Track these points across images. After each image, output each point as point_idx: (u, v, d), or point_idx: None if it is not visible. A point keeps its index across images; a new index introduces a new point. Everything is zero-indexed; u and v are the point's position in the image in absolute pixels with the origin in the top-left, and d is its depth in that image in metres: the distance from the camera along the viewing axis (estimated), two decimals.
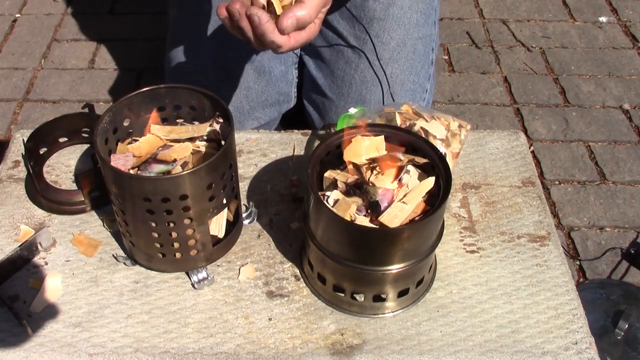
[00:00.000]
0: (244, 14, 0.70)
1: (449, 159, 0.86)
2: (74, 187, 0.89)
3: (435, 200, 0.70)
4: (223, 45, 1.13)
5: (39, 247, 0.81)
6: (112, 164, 0.73)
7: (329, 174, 0.75)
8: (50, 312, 0.76)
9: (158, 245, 0.75)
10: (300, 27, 0.71)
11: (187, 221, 0.73)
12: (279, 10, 0.72)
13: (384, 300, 0.75)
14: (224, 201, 0.76)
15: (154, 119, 0.78)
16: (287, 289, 0.79)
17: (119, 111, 0.76)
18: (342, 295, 0.75)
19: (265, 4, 0.74)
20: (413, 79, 1.15)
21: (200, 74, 1.16)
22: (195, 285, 0.78)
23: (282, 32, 0.71)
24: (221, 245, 0.79)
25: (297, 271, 0.81)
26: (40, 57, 2.12)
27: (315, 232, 0.73)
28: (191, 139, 0.78)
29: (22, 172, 0.91)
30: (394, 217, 0.69)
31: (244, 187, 0.90)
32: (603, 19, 2.30)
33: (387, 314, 0.76)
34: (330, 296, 0.77)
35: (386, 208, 0.70)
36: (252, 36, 0.73)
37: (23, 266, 0.80)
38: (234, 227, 0.80)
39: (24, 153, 0.85)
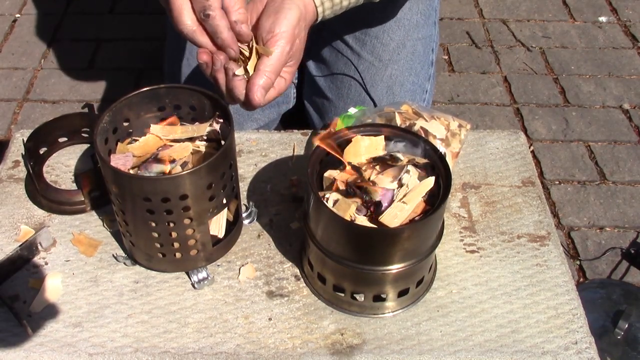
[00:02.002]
0: (222, 66, 0.75)
1: (449, 159, 0.86)
2: (74, 187, 0.89)
3: (435, 200, 0.70)
4: None
5: (39, 247, 0.81)
6: (112, 164, 0.73)
7: (329, 174, 0.75)
8: (50, 312, 0.76)
9: (158, 245, 0.75)
10: (267, 90, 0.76)
11: (187, 221, 0.73)
12: (251, 70, 0.76)
13: (384, 300, 0.75)
14: (224, 201, 0.76)
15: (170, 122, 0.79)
16: (287, 289, 0.79)
17: (119, 111, 0.76)
18: (342, 295, 0.75)
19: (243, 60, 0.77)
20: (413, 79, 1.15)
21: (199, 75, 1.16)
22: (195, 285, 0.78)
23: (258, 106, 0.76)
24: (221, 245, 0.79)
25: (297, 271, 0.81)
26: (40, 57, 2.12)
27: (315, 232, 0.73)
28: (191, 139, 0.78)
29: (22, 172, 0.91)
30: (394, 217, 0.69)
31: (244, 187, 0.90)
32: (603, 19, 2.30)
33: (387, 314, 0.76)
34: (330, 296, 0.77)
35: (386, 208, 0.70)
36: (225, 89, 0.76)
37: (23, 266, 0.80)
38: (234, 227, 0.80)
39: (24, 153, 0.85)
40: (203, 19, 0.72)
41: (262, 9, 0.79)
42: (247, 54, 0.77)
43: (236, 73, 0.74)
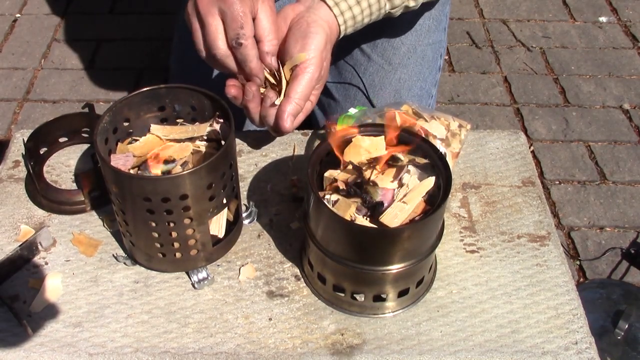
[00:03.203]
0: (258, 95, 0.79)
1: (449, 159, 0.86)
2: (74, 187, 0.89)
3: (435, 200, 0.70)
4: None
5: (39, 247, 0.81)
6: (112, 164, 0.73)
7: (329, 174, 0.75)
8: (50, 312, 0.76)
9: (158, 245, 0.75)
10: (296, 116, 0.81)
11: (187, 221, 0.73)
12: (282, 93, 0.80)
13: (384, 300, 0.75)
14: (224, 201, 0.76)
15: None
16: (287, 289, 0.79)
17: (119, 111, 0.76)
18: (342, 295, 0.75)
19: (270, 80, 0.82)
20: (420, 84, 1.15)
21: (205, 73, 1.15)
22: (196, 285, 0.78)
23: (287, 132, 0.80)
24: (221, 245, 0.79)
25: (297, 271, 0.81)
26: (40, 57, 2.12)
27: (315, 232, 0.73)
28: (191, 139, 0.78)
29: (22, 172, 0.91)
30: (394, 217, 0.69)
31: (244, 187, 0.90)
32: (603, 19, 2.30)
33: (387, 314, 0.76)
34: (330, 296, 0.77)
35: (386, 208, 0.70)
36: (257, 116, 0.81)
37: (23, 266, 0.80)
38: (234, 227, 0.80)
39: (24, 153, 0.85)
40: (235, 46, 0.76)
41: (287, 30, 0.81)
42: (271, 79, 0.80)
43: (275, 103, 0.79)
